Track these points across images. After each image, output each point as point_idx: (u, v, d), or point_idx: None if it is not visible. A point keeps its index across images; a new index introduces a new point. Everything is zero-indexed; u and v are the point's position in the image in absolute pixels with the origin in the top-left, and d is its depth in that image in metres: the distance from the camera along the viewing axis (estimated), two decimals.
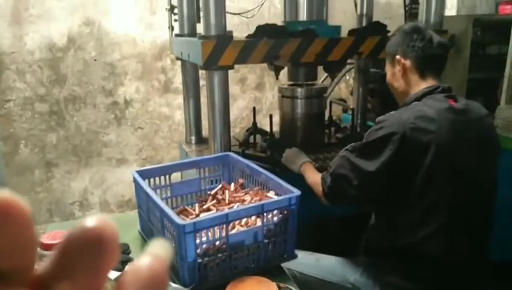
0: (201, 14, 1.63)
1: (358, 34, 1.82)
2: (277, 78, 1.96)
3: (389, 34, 1.80)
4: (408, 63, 1.35)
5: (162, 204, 1.08)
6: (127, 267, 0.20)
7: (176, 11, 2.12)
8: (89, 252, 0.18)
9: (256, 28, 1.72)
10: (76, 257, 0.18)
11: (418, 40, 1.34)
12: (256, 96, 3.18)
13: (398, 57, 1.36)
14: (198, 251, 1.05)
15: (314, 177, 1.48)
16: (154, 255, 0.20)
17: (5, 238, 0.17)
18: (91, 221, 0.19)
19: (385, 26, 1.88)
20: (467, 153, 1.23)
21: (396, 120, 1.22)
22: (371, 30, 1.87)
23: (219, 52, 1.56)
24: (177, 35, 2.11)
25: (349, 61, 2.07)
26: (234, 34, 1.78)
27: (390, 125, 1.21)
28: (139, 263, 0.20)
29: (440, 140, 1.18)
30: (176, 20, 2.13)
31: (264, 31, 1.69)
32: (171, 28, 2.19)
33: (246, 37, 1.70)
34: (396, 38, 1.39)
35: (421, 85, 1.34)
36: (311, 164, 1.60)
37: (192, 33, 2.06)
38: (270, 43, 1.63)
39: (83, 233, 0.19)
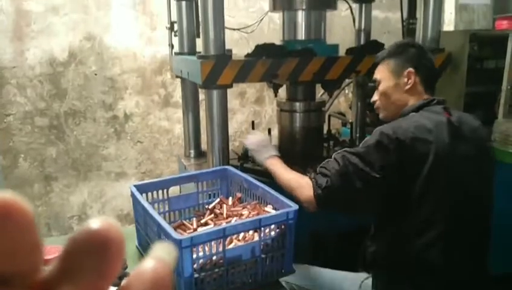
0: (201, 29, 1.64)
1: (355, 53, 1.83)
2: (276, 96, 1.98)
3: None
4: (417, 77, 1.36)
5: (159, 218, 1.08)
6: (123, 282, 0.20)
7: (175, 27, 2.14)
8: (94, 254, 0.18)
9: (255, 47, 1.74)
10: (81, 259, 0.18)
11: (429, 60, 1.38)
12: (256, 110, 3.19)
13: (411, 69, 1.36)
14: (195, 265, 1.04)
15: (294, 178, 1.39)
16: (158, 258, 0.20)
17: (7, 242, 0.17)
18: (96, 223, 0.18)
19: (382, 44, 1.90)
20: (463, 164, 1.24)
21: (397, 128, 1.22)
22: (368, 49, 1.88)
23: (218, 72, 1.57)
24: (176, 53, 2.13)
25: None
26: (234, 49, 1.79)
27: (390, 132, 1.21)
28: (143, 266, 0.19)
29: (438, 151, 1.19)
30: (175, 35, 2.15)
31: (263, 50, 1.71)
32: (171, 46, 2.21)
33: (245, 56, 1.72)
34: (408, 51, 1.39)
35: (420, 98, 1.36)
36: (280, 160, 1.51)
37: (192, 51, 2.08)
38: (268, 62, 1.65)
39: (88, 235, 0.18)
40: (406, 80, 1.36)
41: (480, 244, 1.30)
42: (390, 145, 1.19)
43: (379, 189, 1.23)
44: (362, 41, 2.29)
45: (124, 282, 0.19)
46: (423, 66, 1.37)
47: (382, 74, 1.42)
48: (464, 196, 1.24)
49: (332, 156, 1.31)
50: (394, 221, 1.28)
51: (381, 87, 1.42)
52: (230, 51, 1.71)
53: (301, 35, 1.88)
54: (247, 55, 1.73)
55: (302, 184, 1.34)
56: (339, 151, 1.31)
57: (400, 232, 1.27)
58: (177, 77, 2.14)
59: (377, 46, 1.89)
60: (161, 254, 0.20)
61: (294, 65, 1.68)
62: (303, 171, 1.45)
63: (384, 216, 1.33)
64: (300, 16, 1.86)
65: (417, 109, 1.32)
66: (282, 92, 2.06)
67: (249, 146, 1.61)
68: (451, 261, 1.22)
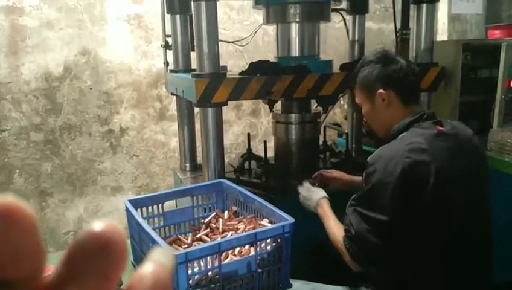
0: (195, 43, 1.64)
1: (349, 68, 1.83)
2: (271, 111, 1.98)
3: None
4: (391, 94, 1.30)
5: (153, 234, 1.07)
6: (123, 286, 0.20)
7: (170, 43, 2.14)
8: (98, 256, 0.18)
9: (249, 64, 1.74)
10: (85, 261, 0.18)
11: (397, 70, 1.29)
12: (252, 122, 3.19)
13: (381, 91, 1.30)
14: (190, 281, 1.03)
15: (334, 232, 1.32)
16: (157, 262, 0.20)
17: (10, 245, 0.17)
18: (98, 225, 0.19)
19: None
20: (463, 178, 1.21)
21: (390, 158, 1.16)
22: None
23: (212, 90, 1.57)
24: (171, 70, 2.13)
25: None
26: (229, 62, 1.79)
27: (385, 166, 1.16)
28: (142, 270, 0.19)
29: (437, 170, 1.14)
30: (170, 49, 2.15)
31: (257, 67, 1.71)
32: (166, 63, 2.21)
33: (239, 73, 1.72)
34: (371, 70, 1.32)
35: (406, 114, 1.30)
36: (327, 201, 1.45)
37: (187, 68, 2.08)
38: (262, 80, 1.65)
39: (91, 237, 0.18)
40: (380, 100, 1.31)
41: (484, 258, 1.27)
42: (389, 179, 1.14)
43: (394, 231, 1.18)
44: (356, 52, 2.29)
45: (124, 286, 0.19)
46: (393, 79, 1.29)
47: (359, 98, 1.38)
48: (467, 209, 1.21)
49: (346, 211, 1.26)
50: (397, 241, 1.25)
51: (363, 111, 1.39)
52: (225, 67, 1.71)
53: (295, 51, 1.88)
54: (242, 72, 1.73)
55: (340, 244, 1.27)
56: (350, 204, 1.25)
57: (403, 252, 1.23)
58: (172, 94, 2.14)
59: None
60: (160, 258, 0.20)
61: (289, 82, 1.68)
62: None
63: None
64: (294, 29, 1.86)
65: (407, 127, 1.26)
66: (278, 103, 2.06)
67: (302, 202, 1.52)
68: (455, 278, 1.20)
